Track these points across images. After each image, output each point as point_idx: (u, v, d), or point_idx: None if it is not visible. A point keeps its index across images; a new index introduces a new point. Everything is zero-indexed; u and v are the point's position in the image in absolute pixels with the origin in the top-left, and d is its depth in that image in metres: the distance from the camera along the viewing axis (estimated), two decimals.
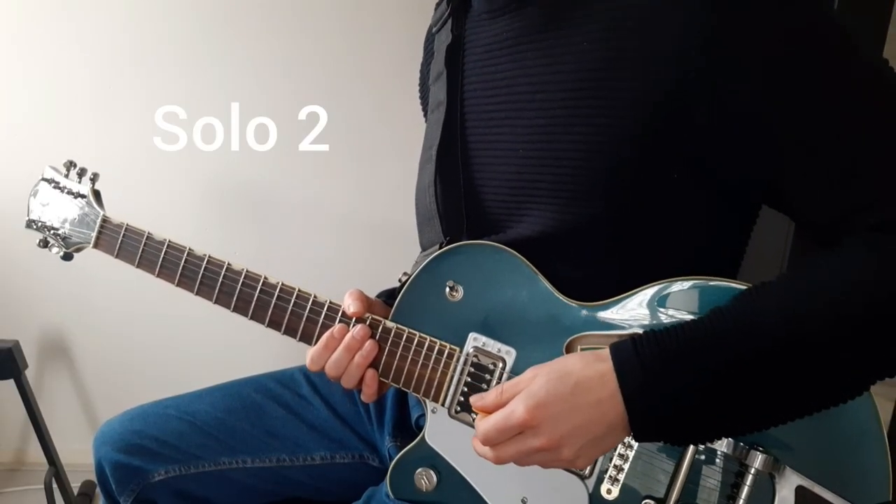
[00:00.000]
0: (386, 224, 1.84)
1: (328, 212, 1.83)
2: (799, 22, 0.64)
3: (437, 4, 0.99)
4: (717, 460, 0.72)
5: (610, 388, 0.65)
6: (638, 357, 0.65)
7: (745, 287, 0.69)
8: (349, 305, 0.84)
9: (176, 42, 1.70)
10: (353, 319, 0.84)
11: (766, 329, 0.64)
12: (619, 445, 0.74)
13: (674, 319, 0.71)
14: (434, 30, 0.97)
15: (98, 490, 1.03)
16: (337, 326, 0.83)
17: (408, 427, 0.97)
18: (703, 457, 0.73)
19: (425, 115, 1.06)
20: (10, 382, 1.60)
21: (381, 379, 0.84)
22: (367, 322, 0.83)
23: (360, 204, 1.83)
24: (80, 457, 1.75)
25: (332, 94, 1.76)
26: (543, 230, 0.77)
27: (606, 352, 0.67)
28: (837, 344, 0.62)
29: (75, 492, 1.77)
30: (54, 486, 1.66)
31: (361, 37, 1.72)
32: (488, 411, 0.70)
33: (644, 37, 0.69)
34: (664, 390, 0.65)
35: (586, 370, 0.67)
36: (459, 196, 0.85)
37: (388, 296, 0.97)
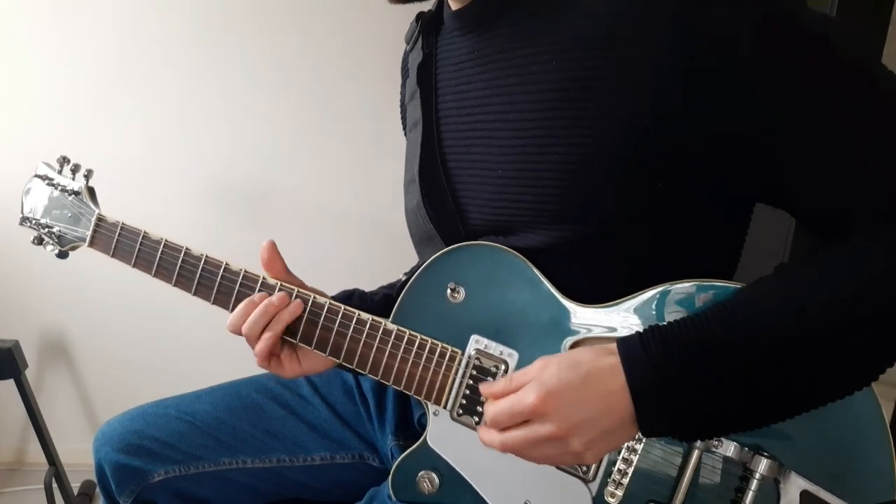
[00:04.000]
0: (383, 222, 1.84)
1: (325, 210, 1.84)
2: (775, 30, 0.63)
3: (411, 24, 0.98)
4: (722, 465, 0.72)
5: (620, 381, 0.65)
6: (645, 351, 0.65)
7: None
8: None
9: (172, 42, 1.71)
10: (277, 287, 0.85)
11: (773, 321, 0.63)
12: (624, 449, 0.74)
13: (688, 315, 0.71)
14: (408, 48, 0.97)
15: (98, 490, 1.03)
16: (258, 294, 0.85)
17: (410, 426, 0.97)
18: (707, 461, 0.72)
19: (406, 135, 1.05)
20: (10, 382, 1.60)
21: (381, 379, 0.83)
22: (369, 322, 0.83)
23: (357, 202, 1.84)
24: (80, 457, 1.75)
25: (329, 92, 1.76)
26: (533, 246, 0.76)
27: (615, 346, 0.67)
28: (845, 334, 0.62)
29: (75, 492, 1.78)
30: (54, 486, 1.66)
31: (357, 36, 1.73)
32: (496, 398, 0.69)
33: (612, 55, 0.68)
34: (670, 384, 0.64)
35: (598, 362, 0.66)
36: (453, 215, 0.84)
37: (346, 297, 0.96)
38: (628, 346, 0.66)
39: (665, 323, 0.67)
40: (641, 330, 0.67)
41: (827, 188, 0.66)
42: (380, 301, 0.97)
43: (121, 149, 1.74)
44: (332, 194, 1.83)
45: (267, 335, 0.84)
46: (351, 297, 0.96)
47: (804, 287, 0.64)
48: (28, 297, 1.86)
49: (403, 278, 0.85)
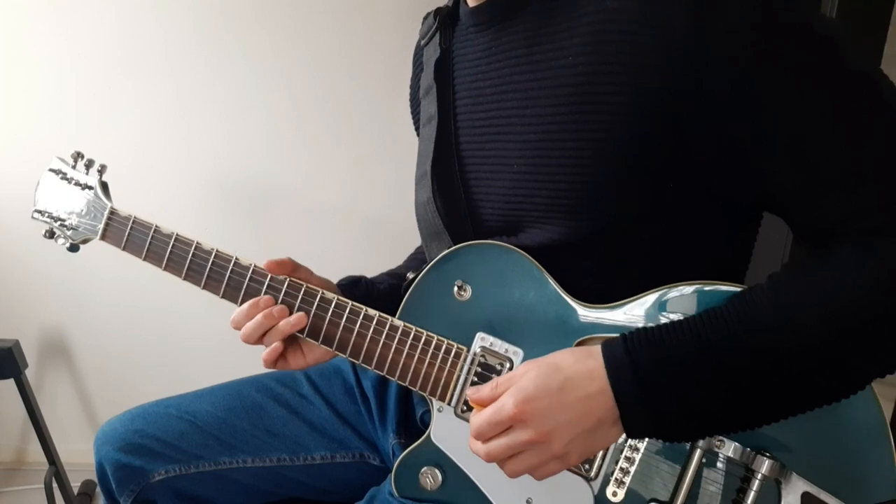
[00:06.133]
0: (383, 222, 1.85)
1: (325, 211, 1.84)
2: (785, 38, 0.63)
3: (425, 18, 0.98)
4: (724, 465, 0.72)
5: (599, 384, 0.66)
6: (628, 354, 0.66)
7: None
8: (269, 265, 0.86)
9: (173, 43, 1.71)
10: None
11: (759, 329, 0.64)
12: (626, 448, 0.74)
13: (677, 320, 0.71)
14: (422, 42, 0.97)
15: (98, 489, 1.03)
16: (263, 298, 0.86)
17: (412, 425, 0.97)
18: (709, 461, 0.72)
19: (416, 129, 1.05)
20: (10, 382, 1.60)
21: (387, 375, 0.83)
22: (376, 318, 0.83)
23: (357, 202, 1.84)
24: (80, 456, 1.75)
25: (330, 92, 1.77)
26: (543, 243, 0.77)
27: (598, 348, 0.68)
28: (833, 347, 0.63)
29: (75, 491, 1.77)
30: (54, 485, 1.66)
31: (357, 37, 1.74)
32: (483, 404, 0.70)
33: (627, 51, 0.68)
34: (655, 387, 0.65)
35: (576, 366, 0.67)
36: (463, 211, 0.85)
37: (353, 283, 0.97)
38: (611, 350, 0.67)
39: (650, 327, 0.67)
40: (627, 333, 0.68)
41: (819, 195, 0.66)
42: (385, 290, 0.98)
43: (120, 149, 1.74)
44: (332, 195, 1.83)
45: (273, 346, 0.86)
46: (358, 284, 0.97)
47: (794, 297, 0.65)
48: (28, 297, 1.86)
49: (411, 276, 0.85)
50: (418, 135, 1.04)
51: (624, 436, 0.68)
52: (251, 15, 1.70)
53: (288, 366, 0.89)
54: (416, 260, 1.13)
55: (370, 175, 1.82)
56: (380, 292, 0.97)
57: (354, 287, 0.96)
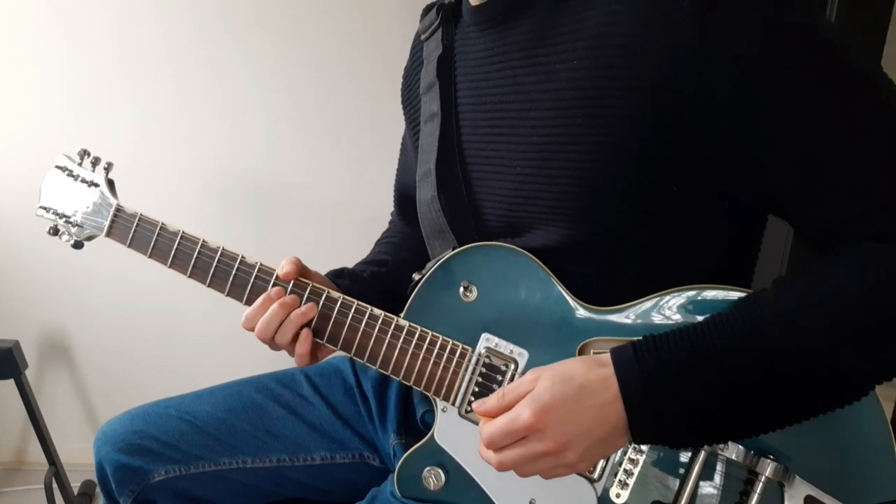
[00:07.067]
0: (382, 220, 1.84)
1: (325, 211, 1.84)
2: (789, 38, 0.63)
3: (425, 11, 0.98)
4: (728, 467, 0.72)
5: (613, 392, 0.66)
6: (638, 362, 0.66)
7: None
8: (282, 267, 0.86)
9: (176, 42, 1.71)
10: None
11: (765, 337, 0.64)
12: (630, 450, 0.74)
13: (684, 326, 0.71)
14: (423, 37, 0.96)
15: (98, 490, 1.02)
16: (274, 289, 0.86)
17: (412, 425, 0.97)
18: (712, 463, 0.72)
19: (407, 119, 1.04)
20: (10, 382, 1.60)
21: (391, 374, 0.83)
22: (381, 318, 0.83)
23: (357, 201, 1.84)
24: (80, 457, 1.75)
25: (330, 92, 1.77)
26: (546, 244, 0.77)
27: (608, 356, 0.68)
28: (836, 351, 0.63)
29: (75, 492, 1.77)
30: (54, 485, 1.65)
31: (357, 37, 1.74)
32: (491, 415, 0.69)
33: (632, 55, 0.68)
34: (658, 387, 0.65)
35: (590, 374, 0.67)
36: (465, 210, 0.85)
37: (336, 275, 0.97)
38: (622, 357, 0.67)
39: (658, 335, 0.67)
40: (636, 339, 0.68)
41: (819, 196, 0.66)
42: (368, 277, 0.99)
43: (120, 149, 1.73)
44: (332, 194, 1.83)
45: (304, 334, 0.85)
46: (341, 274, 0.97)
47: (795, 298, 0.65)
48: (28, 297, 1.86)
49: (416, 277, 0.85)
50: (407, 124, 1.04)
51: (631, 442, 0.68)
52: (251, 15, 1.70)
53: (316, 359, 0.89)
54: (390, 245, 1.14)
55: (370, 175, 1.82)
56: (364, 279, 0.98)
57: (339, 277, 0.96)
